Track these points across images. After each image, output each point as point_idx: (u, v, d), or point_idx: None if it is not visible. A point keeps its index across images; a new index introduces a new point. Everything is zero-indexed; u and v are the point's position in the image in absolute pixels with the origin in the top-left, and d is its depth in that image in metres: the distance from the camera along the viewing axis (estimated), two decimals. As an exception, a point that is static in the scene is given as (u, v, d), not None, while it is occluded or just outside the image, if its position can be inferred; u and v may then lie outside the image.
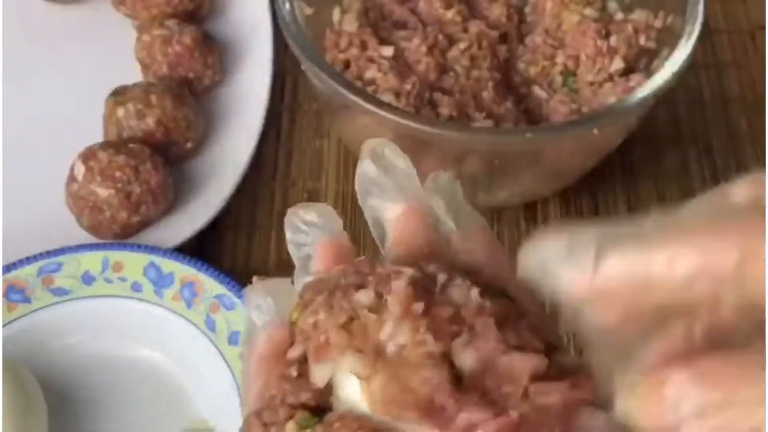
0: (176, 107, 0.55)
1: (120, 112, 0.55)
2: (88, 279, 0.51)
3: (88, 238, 0.54)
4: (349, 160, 0.60)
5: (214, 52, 0.60)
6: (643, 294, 0.22)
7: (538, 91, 0.55)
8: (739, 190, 0.23)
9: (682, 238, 0.22)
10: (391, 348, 0.25)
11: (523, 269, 0.24)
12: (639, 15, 0.55)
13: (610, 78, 0.53)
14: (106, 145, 0.54)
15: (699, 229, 0.22)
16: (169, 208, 0.55)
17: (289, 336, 0.28)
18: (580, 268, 0.23)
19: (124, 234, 0.53)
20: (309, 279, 0.31)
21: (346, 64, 0.53)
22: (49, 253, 0.52)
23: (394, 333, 0.25)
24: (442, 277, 0.26)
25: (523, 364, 0.24)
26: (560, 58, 0.55)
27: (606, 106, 0.50)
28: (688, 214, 0.23)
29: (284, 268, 0.55)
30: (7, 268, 0.51)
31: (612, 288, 0.22)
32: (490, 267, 0.28)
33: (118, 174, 0.52)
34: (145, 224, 0.54)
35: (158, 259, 0.51)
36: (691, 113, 0.62)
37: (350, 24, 0.54)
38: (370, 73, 0.52)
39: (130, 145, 0.53)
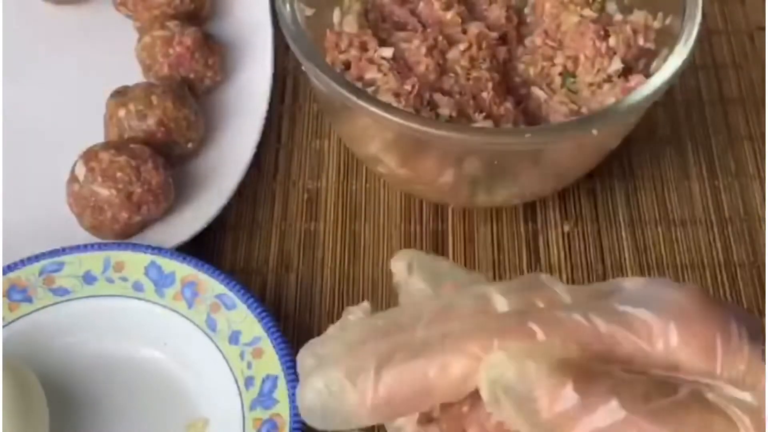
0: (177, 108, 0.56)
1: (121, 112, 0.55)
2: (89, 279, 0.52)
3: (89, 238, 0.54)
4: (349, 161, 0.60)
5: (215, 52, 0.60)
6: (425, 398, 0.25)
7: (538, 92, 0.55)
8: (500, 301, 0.26)
9: (453, 346, 0.25)
10: None
11: (305, 411, 0.26)
12: (638, 16, 0.55)
13: (609, 79, 0.53)
14: (107, 145, 0.54)
15: (468, 337, 0.25)
16: (170, 208, 0.55)
17: None
18: (362, 394, 0.25)
19: (125, 234, 0.54)
20: None
21: (347, 65, 0.53)
22: (50, 253, 0.52)
23: None
24: None
25: None
26: (559, 59, 0.55)
27: (605, 107, 0.51)
28: (457, 325, 0.25)
29: (285, 268, 0.56)
30: (9, 268, 0.52)
31: (395, 400, 0.25)
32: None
33: (119, 174, 0.52)
34: (146, 224, 0.54)
35: (159, 259, 0.52)
36: (690, 114, 0.62)
37: (350, 25, 0.55)
38: (370, 74, 0.52)
39: (132, 146, 0.53)
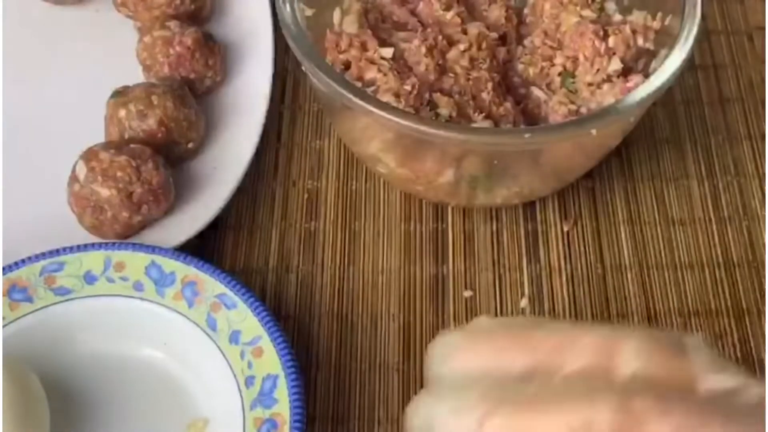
0: (177, 108, 0.56)
1: (122, 112, 0.55)
2: (90, 278, 0.52)
3: (89, 237, 0.54)
4: (349, 160, 0.61)
5: (216, 53, 0.60)
6: None
7: (537, 92, 0.55)
8: (625, 365, 0.25)
9: (561, 406, 0.24)
10: None
11: (410, 428, 0.26)
12: (637, 16, 0.55)
13: (609, 79, 0.54)
14: (107, 145, 0.54)
15: (576, 399, 0.24)
16: (170, 208, 0.55)
17: None
18: (465, 427, 0.24)
19: (125, 234, 0.54)
20: None
21: (347, 65, 0.53)
22: (51, 253, 0.52)
23: None
24: None
25: None
26: (559, 59, 0.55)
27: (604, 107, 0.51)
28: (563, 386, 0.25)
29: (285, 267, 0.56)
30: (9, 268, 0.52)
31: None
32: None
33: (119, 174, 0.52)
34: (146, 224, 0.54)
35: (160, 259, 0.52)
36: (689, 114, 0.63)
37: (350, 25, 0.55)
38: (370, 74, 0.52)
39: (132, 146, 0.54)
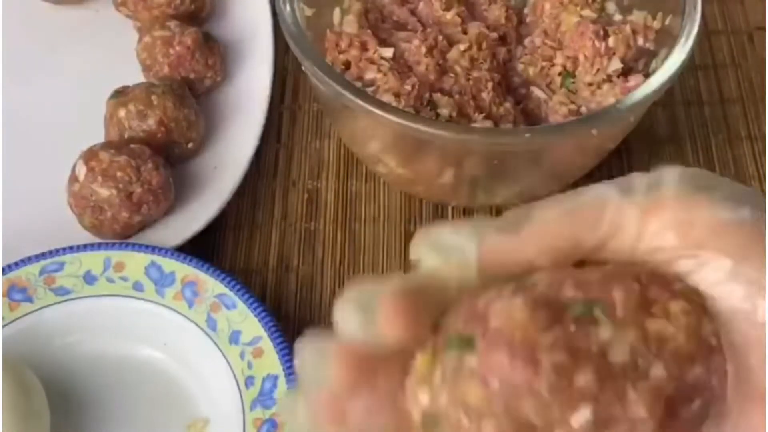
0: (177, 108, 0.56)
1: (121, 112, 0.55)
2: (89, 278, 0.52)
3: (89, 237, 0.54)
4: (349, 161, 0.61)
5: (215, 53, 0.60)
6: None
7: (537, 92, 0.55)
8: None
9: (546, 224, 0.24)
10: None
11: (414, 254, 0.26)
12: (637, 16, 0.55)
13: (609, 79, 0.54)
14: (107, 145, 0.54)
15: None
16: (170, 208, 0.55)
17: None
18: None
19: (125, 234, 0.54)
20: None
21: (347, 65, 0.53)
22: (50, 253, 0.52)
23: None
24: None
25: None
26: (559, 59, 0.55)
27: (604, 107, 0.51)
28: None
29: (285, 267, 0.56)
30: (9, 268, 0.52)
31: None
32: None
33: (119, 174, 0.52)
34: (146, 224, 0.54)
35: (159, 259, 0.52)
36: (689, 114, 0.63)
37: (350, 25, 0.55)
38: (370, 74, 0.52)
39: (132, 146, 0.54)
